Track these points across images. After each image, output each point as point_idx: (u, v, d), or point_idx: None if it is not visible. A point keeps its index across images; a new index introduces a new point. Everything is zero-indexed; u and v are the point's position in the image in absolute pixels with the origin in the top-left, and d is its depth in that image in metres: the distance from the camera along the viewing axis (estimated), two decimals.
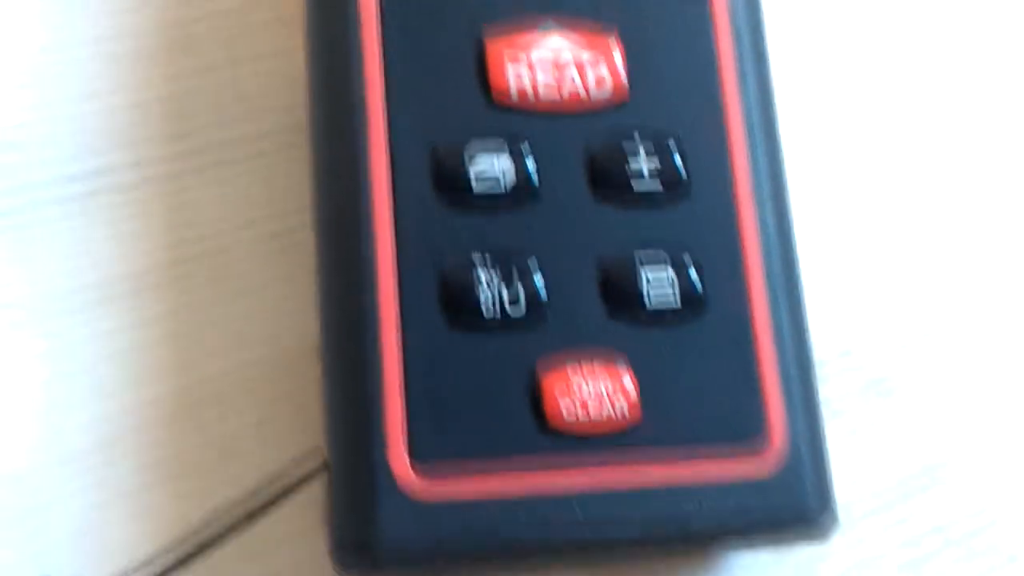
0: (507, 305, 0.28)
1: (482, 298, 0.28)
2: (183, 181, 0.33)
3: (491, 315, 0.28)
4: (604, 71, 0.30)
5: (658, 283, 0.29)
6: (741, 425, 0.29)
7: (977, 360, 0.34)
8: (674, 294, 0.29)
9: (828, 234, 0.35)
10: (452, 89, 0.29)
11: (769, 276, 0.29)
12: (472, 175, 0.29)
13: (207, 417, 0.31)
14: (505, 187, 0.29)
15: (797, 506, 0.28)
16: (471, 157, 0.29)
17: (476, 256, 0.29)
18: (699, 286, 0.29)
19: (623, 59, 0.30)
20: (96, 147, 0.33)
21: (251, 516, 0.31)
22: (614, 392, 0.28)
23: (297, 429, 0.32)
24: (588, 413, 0.28)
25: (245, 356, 0.32)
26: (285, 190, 0.33)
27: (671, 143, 0.30)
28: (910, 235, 0.35)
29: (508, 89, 0.29)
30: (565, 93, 0.30)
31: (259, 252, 0.33)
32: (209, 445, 0.31)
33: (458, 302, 0.28)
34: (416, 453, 0.28)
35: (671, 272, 0.29)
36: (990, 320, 0.35)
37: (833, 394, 0.33)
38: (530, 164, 0.29)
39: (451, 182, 0.29)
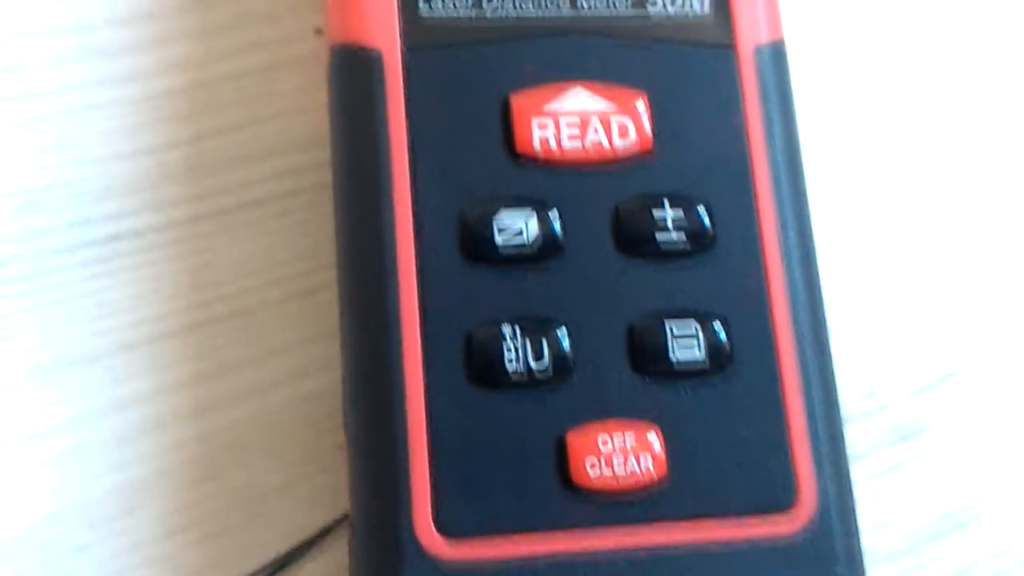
0: (532, 364, 0.28)
1: (507, 358, 0.28)
2: (207, 240, 0.33)
3: (517, 375, 0.28)
4: (629, 123, 0.30)
5: (685, 340, 0.29)
6: (770, 487, 0.28)
7: (1002, 403, 0.34)
8: (701, 351, 0.29)
9: (852, 276, 0.35)
10: (476, 145, 0.29)
11: (797, 332, 0.29)
12: (496, 232, 0.29)
13: (231, 477, 0.31)
14: (529, 244, 0.29)
15: (827, 572, 0.27)
16: (495, 214, 0.29)
17: (501, 315, 0.28)
18: (726, 343, 0.29)
19: (649, 113, 0.30)
20: (119, 207, 0.33)
21: None
22: (641, 452, 0.28)
23: (322, 490, 0.31)
24: (615, 473, 0.28)
25: (271, 418, 0.32)
26: (310, 248, 0.33)
27: (697, 197, 0.29)
28: (934, 278, 0.35)
29: (532, 143, 0.29)
30: (589, 146, 0.29)
31: (285, 312, 0.33)
32: (233, 506, 0.31)
33: (483, 362, 0.28)
34: (442, 518, 0.27)
35: (698, 329, 0.29)
36: (1014, 363, 0.34)
37: (856, 437, 0.33)
38: (555, 220, 0.29)
39: (475, 240, 0.29)
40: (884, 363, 0.34)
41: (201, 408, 0.32)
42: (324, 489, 0.31)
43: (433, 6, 0.30)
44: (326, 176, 0.32)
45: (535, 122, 0.29)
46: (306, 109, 0.34)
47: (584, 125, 0.29)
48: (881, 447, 0.33)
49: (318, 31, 0.34)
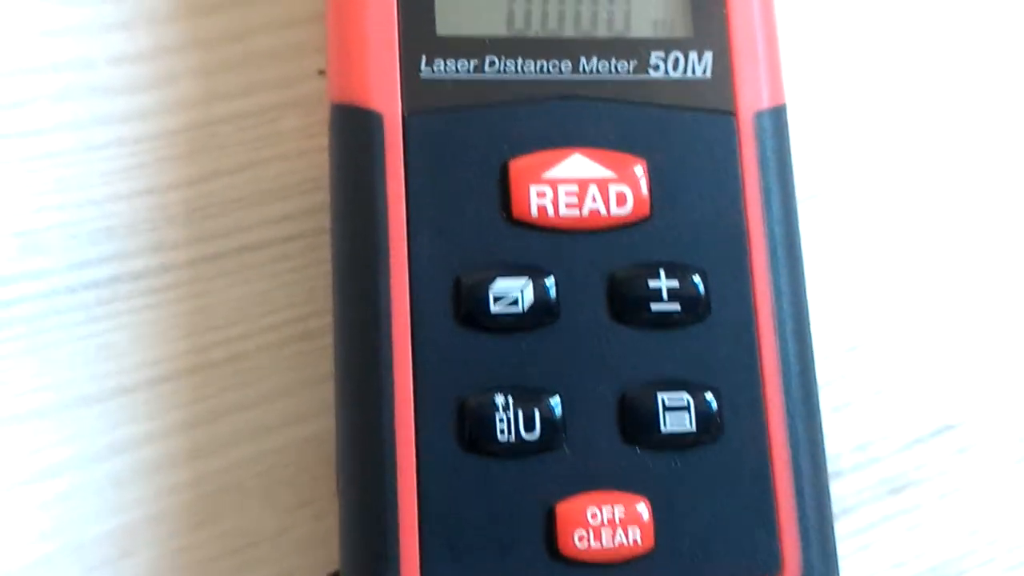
0: (524, 435, 0.28)
1: (499, 428, 0.28)
2: (206, 284, 0.33)
3: (508, 444, 0.28)
4: (627, 190, 0.30)
5: (676, 412, 0.29)
6: (755, 555, 0.29)
7: (994, 457, 0.34)
8: (691, 423, 0.29)
9: (848, 326, 0.35)
10: (474, 210, 0.29)
11: (788, 403, 0.29)
12: (491, 299, 0.29)
13: (226, 522, 0.32)
14: (524, 311, 0.29)
15: None
16: (491, 281, 0.29)
17: (494, 381, 0.29)
18: (717, 414, 0.29)
19: (647, 179, 0.30)
20: (119, 249, 0.33)
21: None
22: (629, 523, 0.28)
23: (316, 537, 0.32)
24: (602, 545, 0.28)
25: (266, 463, 0.32)
26: (308, 292, 0.33)
27: (692, 267, 0.30)
28: (926, 330, 0.35)
29: (529, 210, 0.29)
30: (587, 213, 0.30)
31: (282, 356, 0.33)
32: (227, 552, 0.31)
33: (475, 430, 0.28)
34: None
35: (689, 401, 0.29)
36: (1008, 417, 0.35)
37: (846, 490, 0.33)
38: (550, 287, 0.29)
39: (470, 306, 0.29)
40: (878, 415, 0.34)
41: (197, 452, 0.32)
42: (318, 536, 0.32)
43: (435, 68, 0.30)
44: (326, 220, 0.32)
45: (533, 189, 0.29)
46: (308, 151, 0.34)
47: (582, 192, 0.30)
48: (870, 501, 0.34)
49: (321, 72, 0.35)
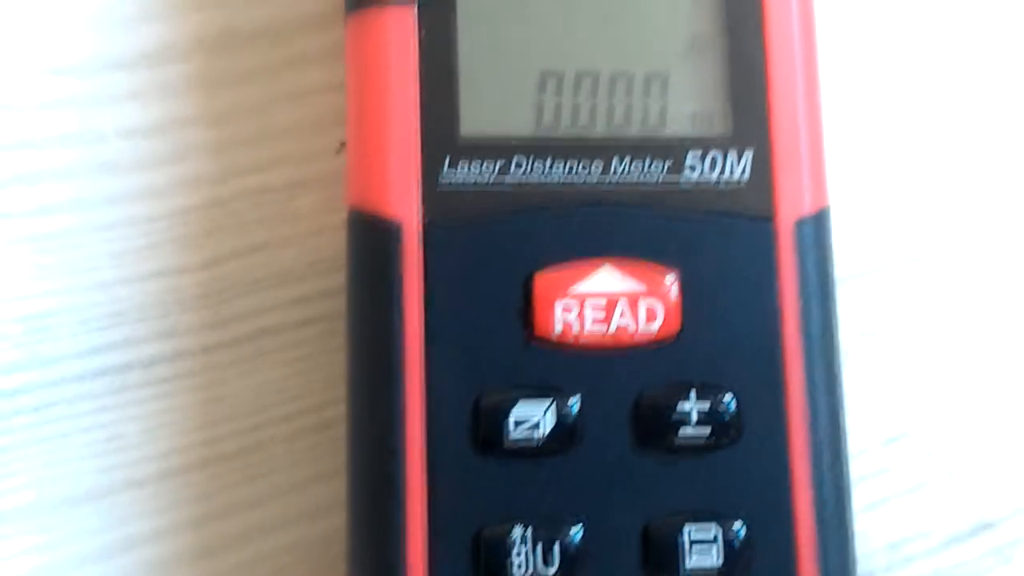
0: (540, 565, 0.27)
1: (516, 562, 0.27)
2: (218, 372, 0.32)
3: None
4: (658, 305, 0.28)
5: (702, 545, 0.28)
6: None
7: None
8: (718, 557, 0.28)
9: (881, 422, 0.34)
10: (495, 327, 0.28)
11: (821, 535, 0.28)
12: (511, 425, 0.28)
13: None
14: (543, 434, 0.28)
15: None
16: (511, 405, 0.28)
17: (512, 510, 0.27)
18: (746, 549, 0.28)
19: (679, 293, 0.28)
20: (129, 335, 0.32)
21: None
22: None
23: None
24: None
25: (278, 561, 0.31)
26: (325, 380, 0.32)
27: (724, 388, 0.28)
28: (964, 425, 0.34)
29: (553, 327, 0.28)
30: (614, 330, 0.28)
31: (296, 449, 0.32)
32: None
33: (491, 565, 0.27)
34: None
35: (717, 535, 0.28)
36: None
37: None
38: (572, 410, 0.28)
39: (489, 431, 0.28)
40: (913, 512, 0.33)
41: (207, 550, 0.31)
42: None
43: (458, 171, 0.28)
44: (344, 304, 0.30)
45: (559, 305, 0.28)
46: (326, 230, 0.33)
47: (610, 308, 0.28)
48: None
49: (342, 144, 0.33)
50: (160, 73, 0.33)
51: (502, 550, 0.27)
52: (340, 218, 0.31)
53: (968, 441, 0.34)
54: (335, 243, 0.32)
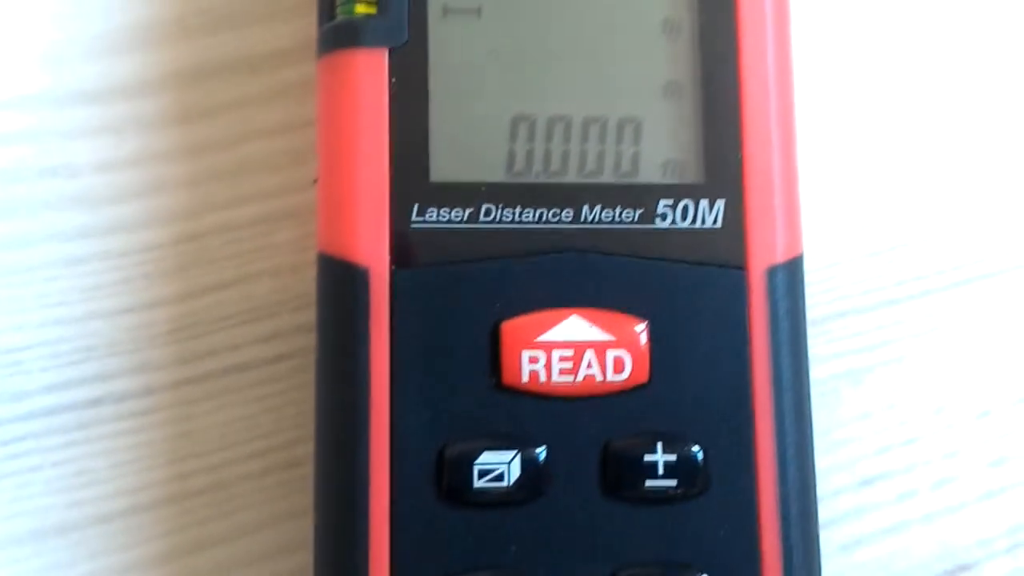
0: None
1: None
2: (189, 408, 0.32)
3: None
4: (626, 355, 0.28)
5: None
6: None
7: None
8: None
9: (858, 466, 0.33)
10: (462, 374, 0.28)
11: None
12: (476, 475, 0.27)
13: None
14: (509, 483, 0.28)
15: None
16: (476, 455, 0.27)
17: (477, 560, 0.27)
18: None
19: (648, 342, 0.28)
20: (99, 370, 0.32)
21: None
22: None
23: None
24: None
25: None
26: (295, 417, 0.32)
27: (692, 439, 0.28)
28: (934, 469, 0.33)
29: (520, 376, 0.28)
30: (581, 379, 0.28)
31: (265, 485, 0.32)
32: None
33: None
34: None
35: None
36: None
37: None
38: (539, 459, 0.28)
39: (453, 481, 0.28)
40: (887, 556, 0.33)
41: None
42: None
43: (427, 217, 0.28)
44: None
45: (526, 354, 0.28)
46: (301, 266, 0.33)
47: (578, 357, 0.28)
48: None
49: (316, 181, 0.33)
50: (134, 106, 0.33)
51: None
52: (315, 254, 0.31)
53: (945, 482, 0.33)
54: (309, 279, 0.32)
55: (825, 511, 0.32)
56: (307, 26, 0.32)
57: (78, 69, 0.33)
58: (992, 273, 0.34)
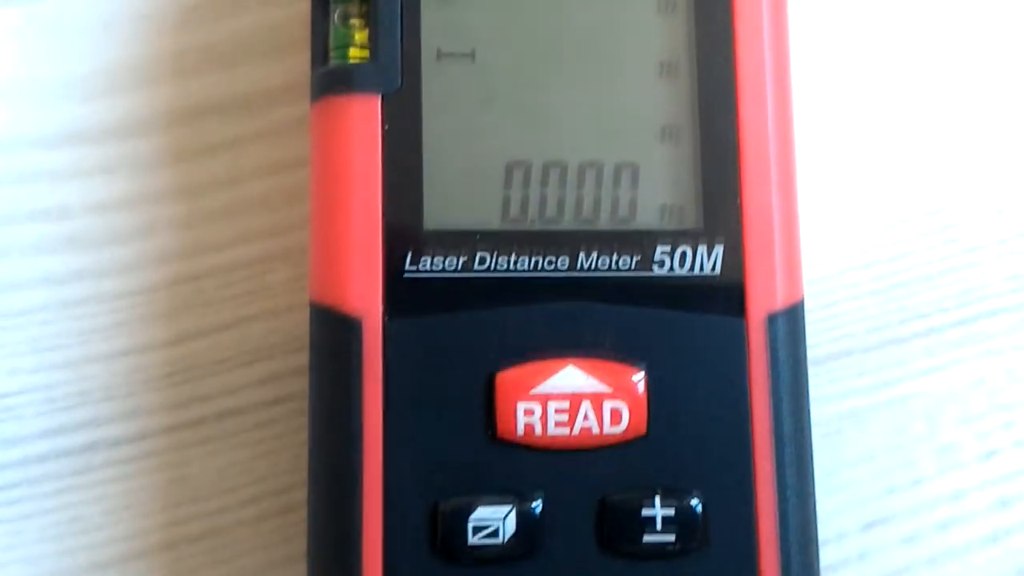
0: None
1: None
2: (183, 453, 0.32)
3: None
4: (622, 404, 0.28)
5: None
6: None
7: None
8: None
9: (862, 509, 0.33)
10: (456, 427, 0.27)
11: None
12: (470, 530, 0.27)
13: None
14: (504, 539, 0.27)
15: None
16: (470, 509, 0.27)
17: None
18: None
19: (645, 393, 0.28)
20: (94, 415, 0.31)
21: None
22: None
23: None
24: None
25: None
26: (291, 461, 0.32)
27: (691, 493, 0.28)
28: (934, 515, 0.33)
29: (515, 429, 0.27)
30: (576, 429, 0.27)
31: (260, 531, 0.31)
32: None
33: None
34: None
35: None
36: None
37: None
38: (534, 513, 0.27)
39: (447, 536, 0.27)
40: None
41: None
42: None
43: (421, 266, 0.28)
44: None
45: (520, 406, 0.27)
46: (296, 307, 0.32)
47: (574, 409, 0.28)
48: None
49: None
50: (129, 146, 0.32)
51: None
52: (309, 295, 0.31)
53: (947, 526, 0.33)
54: (305, 319, 0.32)
55: (829, 555, 0.31)
56: (301, 64, 0.32)
57: (72, 110, 0.32)
58: (997, 311, 0.33)
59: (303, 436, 0.31)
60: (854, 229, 0.33)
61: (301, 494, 0.31)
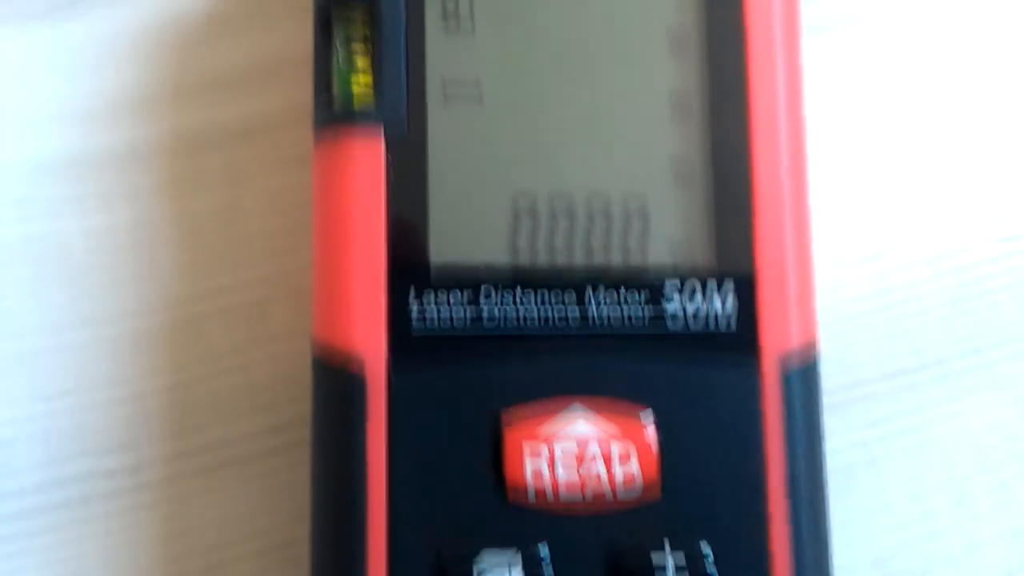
0: None
1: None
2: (184, 503, 0.31)
3: None
4: (634, 467, 0.27)
5: None
6: None
7: None
8: None
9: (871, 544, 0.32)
10: (460, 478, 0.27)
11: None
12: None
13: None
14: None
15: None
16: (476, 557, 0.26)
17: None
18: None
19: (656, 446, 0.27)
20: (93, 465, 0.31)
21: None
22: None
23: None
24: None
25: None
26: (295, 511, 0.31)
27: (702, 546, 0.27)
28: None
29: (524, 478, 0.27)
30: (589, 494, 0.27)
31: (262, 568, 0.30)
32: None
33: None
34: None
35: None
36: None
37: None
38: (540, 565, 0.26)
39: None
40: None
41: None
42: None
43: (427, 319, 0.27)
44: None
45: (528, 458, 0.27)
46: (298, 353, 0.31)
47: (582, 461, 0.27)
48: None
49: None
50: (128, 179, 0.31)
51: None
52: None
53: (960, 563, 0.32)
54: (308, 366, 0.31)
55: None
56: (303, 95, 0.31)
57: (69, 137, 0.31)
58: (1015, 355, 0.32)
59: (305, 485, 0.30)
60: (866, 267, 0.32)
61: (303, 544, 0.30)
